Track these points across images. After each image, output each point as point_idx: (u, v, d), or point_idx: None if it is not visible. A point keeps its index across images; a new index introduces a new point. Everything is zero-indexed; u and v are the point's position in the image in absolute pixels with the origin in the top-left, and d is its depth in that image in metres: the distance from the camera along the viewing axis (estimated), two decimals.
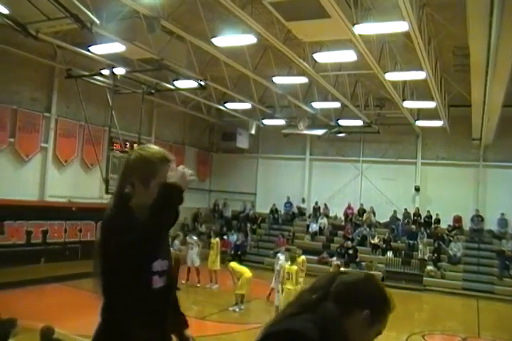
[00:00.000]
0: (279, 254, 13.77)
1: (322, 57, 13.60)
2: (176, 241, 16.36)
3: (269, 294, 14.12)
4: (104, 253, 2.25)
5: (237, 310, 13.33)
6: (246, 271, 13.57)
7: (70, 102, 18.18)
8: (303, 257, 13.23)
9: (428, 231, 21.62)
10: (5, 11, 10.35)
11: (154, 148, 2.56)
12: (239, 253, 22.18)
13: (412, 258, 20.60)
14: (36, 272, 15.26)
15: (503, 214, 20.83)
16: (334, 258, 13.56)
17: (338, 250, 21.00)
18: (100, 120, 19.19)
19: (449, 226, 21.76)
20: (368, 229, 22.19)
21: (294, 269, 11.82)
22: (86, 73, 16.14)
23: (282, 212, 25.33)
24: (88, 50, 13.90)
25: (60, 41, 13.81)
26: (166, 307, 2.46)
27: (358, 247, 21.20)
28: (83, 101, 16.53)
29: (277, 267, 13.02)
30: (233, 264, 14.04)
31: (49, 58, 16.64)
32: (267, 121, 22.85)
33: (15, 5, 10.38)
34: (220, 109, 21.95)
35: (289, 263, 12.11)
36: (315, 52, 13.51)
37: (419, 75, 14.09)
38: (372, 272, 19.95)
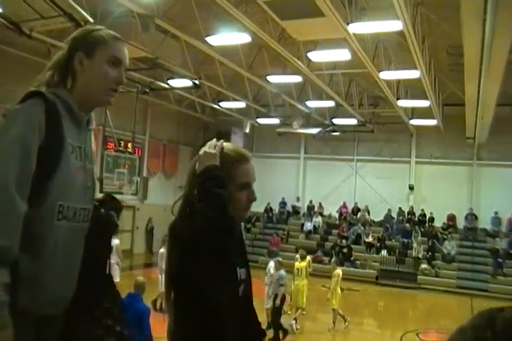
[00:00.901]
0: (270, 263, 12.75)
1: (316, 56, 13.61)
2: None
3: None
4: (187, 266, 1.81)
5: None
6: None
7: None
8: (309, 258, 13.35)
9: (422, 229, 21.68)
10: None
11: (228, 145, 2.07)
12: None
13: (406, 257, 20.67)
14: None
15: (496, 213, 20.93)
16: (334, 259, 13.88)
17: (333, 249, 21.06)
18: (94, 119, 19.12)
19: (444, 224, 21.85)
20: (362, 228, 22.24)
21: (303, 265, 12.21)
22: None
23: (277, 210, 25.36)
24: None
25: (54, 40, 13.76)
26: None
27: (353, 246, 21.25)
28: None
29: (268, 274, 12.28)
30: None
31: (43, 57, 16.54)
32: (261, 120, 22.87)
33: (9, 3, 10.36)
34: (214, 108, 21.95)
35: (299, 260, 12.44)
36: (309, 51, 13.52)
37: (414, 74, 14.14)
38: (366, 270, 20.04)
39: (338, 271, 11.99)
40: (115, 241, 12.99)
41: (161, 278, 9.88)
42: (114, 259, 12.74)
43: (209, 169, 1.88)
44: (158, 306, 10.55)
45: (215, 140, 2.03)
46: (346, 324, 11.79)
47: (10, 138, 1.70)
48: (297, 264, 12.40)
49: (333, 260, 14.46)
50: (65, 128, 1.85)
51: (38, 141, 1.74)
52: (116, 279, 12.56)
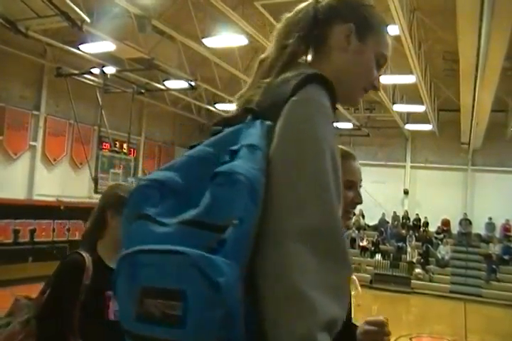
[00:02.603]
0: None
1: None
2: None
3: None
4: None
5: None
6: None
7: (59, 101, 18.07)
8: None
9: (416, 234, 21.70)
10: None
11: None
12: None
13: (400, 261, 20.67)
14: (23, 271, 15.14)
15: (490, 218, 20.96)
16: None
17: None
18: (90, 119, 19.10)
19: (438, 229, 21.87)
20: (356, 232, 22.25)
21: None
22: (76, 72, 16.07)
23: None
24: (78, 49, 13.85)
25: (50, 39, 13.75)
26: None
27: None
28: (73, 100, 16.46)
29: None
30: None
31: (39, 56, 16.56)
32: None
33: (4, 2, 10.33)
34: (210, 110, 21.94)
35: None
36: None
37: (409, 79, 14.16)
38: (360, 274, 20.04)
39: None
40: None
41: None
42: None
43: None
44: None
45: None
46: None
47: (320, 149, 1.05)
48: None
49: None
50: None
51: None
52: None
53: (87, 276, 2.12)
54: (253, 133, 1.06)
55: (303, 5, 1.34)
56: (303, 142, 1.04)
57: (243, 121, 1.10)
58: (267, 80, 1.22)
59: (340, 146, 1.66)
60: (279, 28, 1.33)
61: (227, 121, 1.17)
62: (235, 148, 1.02)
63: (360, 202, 1.89)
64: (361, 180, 1.94)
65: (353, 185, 1.86)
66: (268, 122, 1.09)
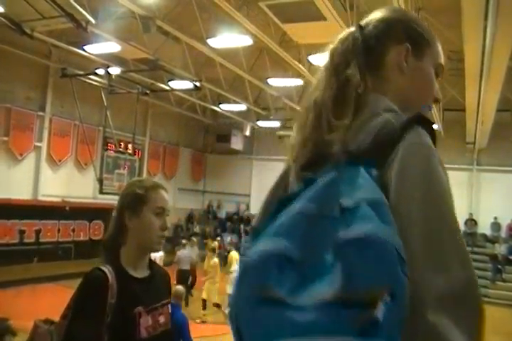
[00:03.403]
0: None
1: (318, 59, 13.61)
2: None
3: None
4: None
5: None
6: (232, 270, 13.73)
7: (64, 101, 18.13)
8: None
9: None
10: (0, 9, 10.32)
11: None
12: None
13: None
14: (29, 271, 15.19)
15: (496, 218, 20.91)
16: None
17: None
18: (95, 120, 19.15)
19: None
20: None
21: None
22: (81, 72, 16.11)
23: None
24: (83, 50, 13.89)
25: (55, 40, 13.80)
26: None
27: None
28: (78, 101, 16.50)
29: None
30: (235, 254, 14.10)
31: (44, 57, 16.62)
32: (261, 123, 22.86)
33: (10, 3, 10.36)
34: (215, 110, 21.95)
35: None
36: (310, 54, 13.53)
37: None
38: None
39: None
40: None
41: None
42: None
43: None
44: None
45: None
46: None
47: (450, 201, 0.99)
48: None
49: None
50: None
51: None
52: None
53: (111, 295, 1.91)
54: (365, 185, 0.91)
55: (346, 33, 1.24)
56: (434, 195, 0.94)
57: (335, 166, 0.97)
58: (346, 122, 1.06)
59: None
60: (328, 62, 1.22)
61: (317, 166, 1.03)
62: (349, 204, 0.86)
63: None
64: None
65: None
66: (373, 169, 0.96)
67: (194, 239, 16.69)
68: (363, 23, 1.24)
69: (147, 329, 1.97)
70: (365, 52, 1.18)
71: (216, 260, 12.97)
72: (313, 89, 1.19)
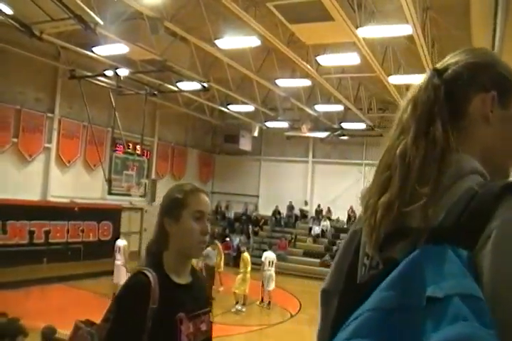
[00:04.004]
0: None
1: (325, 59, 13.60)
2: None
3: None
4: None
5: (239, 308, 13.46)
6: (248, 270, 13.83)
7: (73, 103, 18.22)
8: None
9: None
10: (9, 11, 10.39)
11: None
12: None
13: None
14: (38, 272, 15.27)
15: None
16: None
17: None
18: (103, 121, 19.22)
19: None
20: None
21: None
22: (89, 74, 16.20)
23: (285, 214, 25.34)
24: (92, 51, 13.94)
25: (64, 42, 13.86)
26: None
27: None
28: (86, 102, 16.59)
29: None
30: (247, 255, 14.20)
31: (53, 59, 16.70)
32: (269, 124, 22.85)
33: (19, 5, 10.42)
34: (223, 111, 21.96)
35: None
36: (318, 54, 13.52)
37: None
38: None
39: None
40: (122, 243, 13.06)
41: None
42: (120, 261, 12.79)
43: None
44: None
45: None
46: None
47: None
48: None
49: None
50: None
51: None
52: (122, 281, 12.61)
53: (153, 300, 1.89)
54: (455, 272, 0.80)
55: (424, 79, 1.12)
56: None
57: (417, 244, 0.88)
58: (429, 187, 0.95)
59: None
60: (411, 112, 1.11)
61: (397, 239, 0.94)
62: (437, 295, 0.75)
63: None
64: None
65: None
66: (462, 250, 0.83)
67: (217, 242, 16.82)
68: (439, 66, 1.14)
69: (188, 336, 1.95)
70: (447, 102, 1.07)
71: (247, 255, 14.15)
72: (395, 138, 1.13)
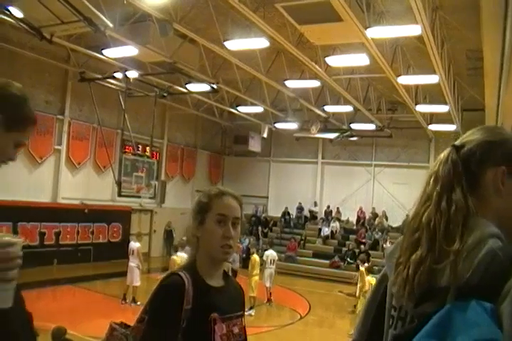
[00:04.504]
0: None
1: (334, 60, 13.57)
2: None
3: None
4: None
5: (250, 312, 13.43)
6: (257, 273, 13.87)
7: (83, 105, 18.31)
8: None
9: None
10: (20, 14, 10.46)
11: None
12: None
13: None
14: (49, 273, 15.35)
15: None
16: (366, 264, 13.15)
17: (347, 254, 21.09)
18: (113, 123, 19.30)
19: None
20: (380, 234, 22.06)
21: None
22: (99, 76, 16.28)
23: (294, 215, 25.30)
24: (101, 53, 14.00)
25: (74, 44, 13.95)
26: None
27: (370, 251, 21.07)
28: (96, 104, 16.67)
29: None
30: (256, 257, 14.25)
31: (63, 61, 16.79)
32: (279, 125, 22.83)
33: (29, 9, 10.49)
34: (232, 112, 21.98)
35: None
36: (327, 55, 13.49)
37: (432, 79, 14.00)
38: None
39: (370, 278, 11.56)
40: (136, 245, 13.11)
41: None
42: (134, 262, 12.85)
43: None
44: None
45: None
46: None
47: None
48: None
49: (364, 265, 13.00)
50: None
51: None
52: (137, 283, 12.67)
53: (187, 300, 1.91)
54: (480, 322, 0.96)
55: (444, 154, 1.31)
56: None
57: (447, 299, 1.06)
58: (455, 248, 1.13)
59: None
60: (433, 184, 1.29)
61: (428, 294, 1.12)
62: None
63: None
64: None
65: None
66: (486, 303, 1.01)
67: (240, 245, 17.17)
68: (458, 143, 1.32)
69: (222, 337, 1.95)
70: (465, 174, 1.26)
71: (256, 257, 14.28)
72: (421, 205, 1.28)
